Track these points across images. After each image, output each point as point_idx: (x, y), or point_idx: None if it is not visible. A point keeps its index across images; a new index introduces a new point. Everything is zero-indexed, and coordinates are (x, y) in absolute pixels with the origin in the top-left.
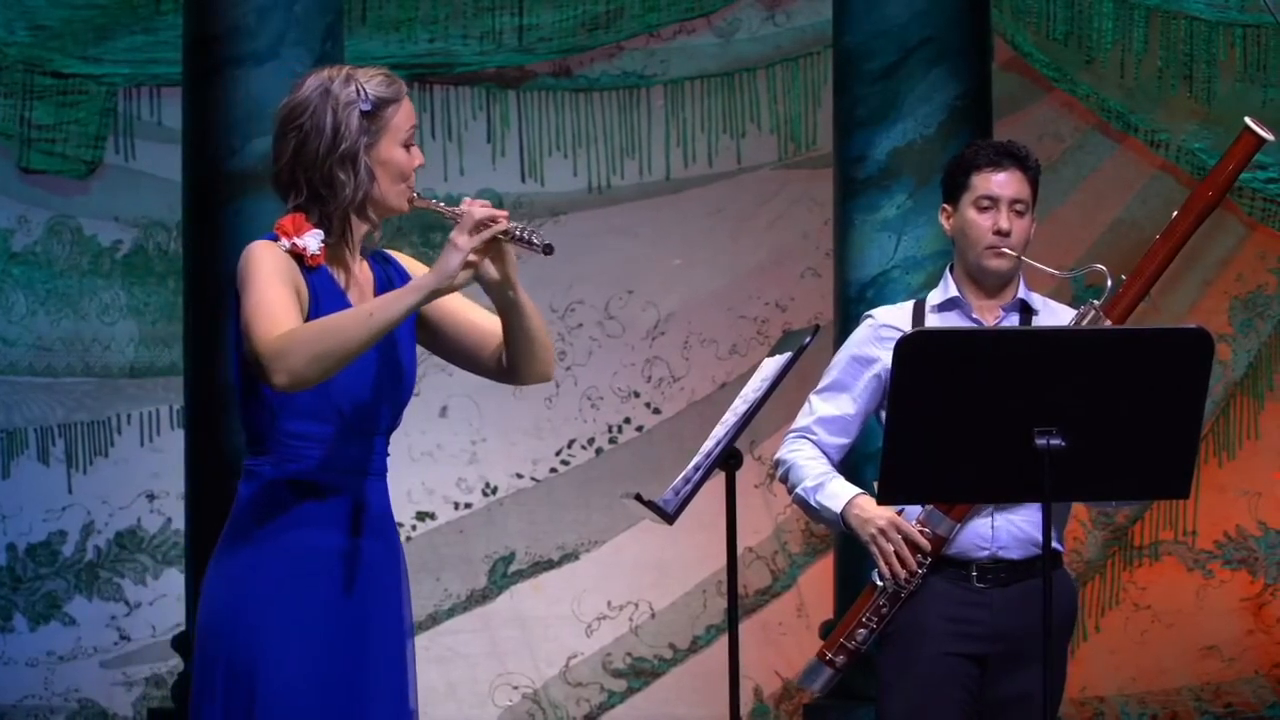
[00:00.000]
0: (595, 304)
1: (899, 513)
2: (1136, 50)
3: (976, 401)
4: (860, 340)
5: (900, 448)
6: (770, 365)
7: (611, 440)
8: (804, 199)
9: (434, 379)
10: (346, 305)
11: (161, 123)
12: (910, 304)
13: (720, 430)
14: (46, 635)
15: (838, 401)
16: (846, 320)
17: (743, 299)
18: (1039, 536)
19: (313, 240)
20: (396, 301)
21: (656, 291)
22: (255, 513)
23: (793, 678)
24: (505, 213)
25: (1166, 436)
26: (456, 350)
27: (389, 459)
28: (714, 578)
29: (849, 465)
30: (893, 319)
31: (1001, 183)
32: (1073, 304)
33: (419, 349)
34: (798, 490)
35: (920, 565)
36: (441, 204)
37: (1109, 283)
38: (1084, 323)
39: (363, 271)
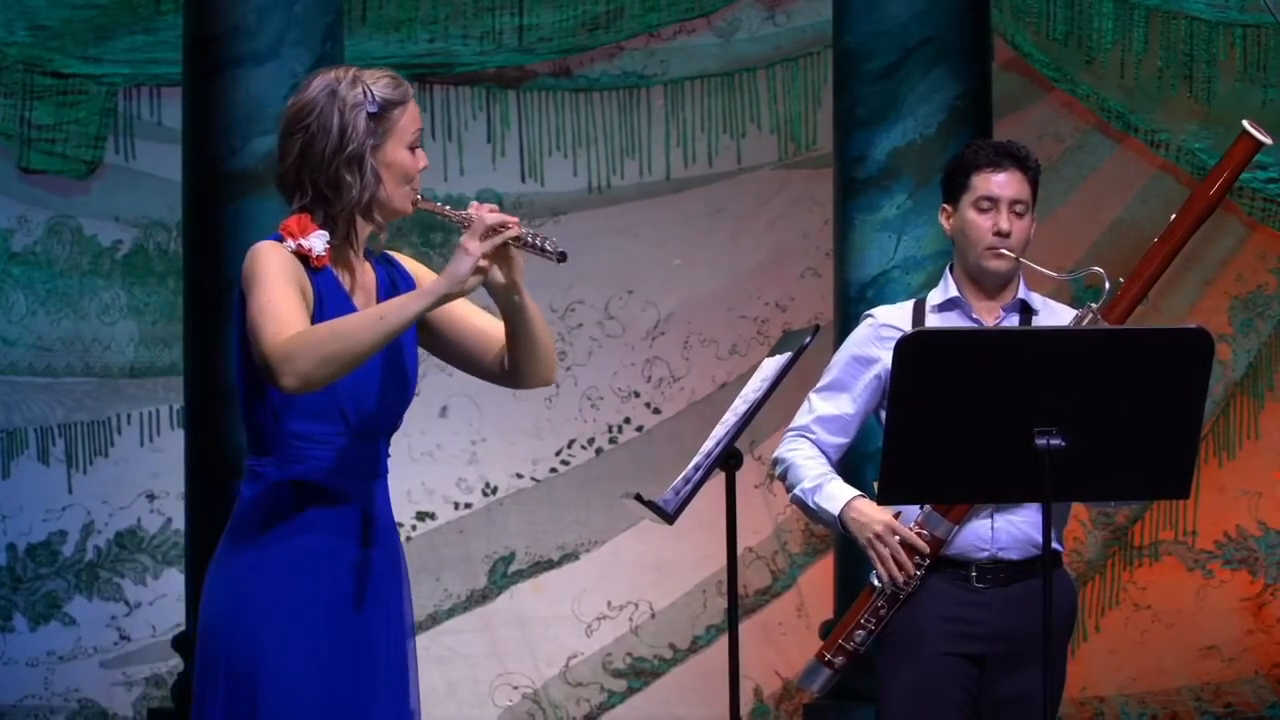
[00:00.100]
0: (595, 304)
1: (896, 515)
2: (1136, 50)
3: (976, 401)
4: (860, 340)
5: (900, 448)
6: (770, 365)
7: (611, 440)
8: (804, 199)
9: (434, 379)
10: (351, 307)
11: (161, 123)
12: (910, 304)
13: (720, 430)
14: (46, 635)
15: (837, 401)
16: (846, 320)
17: (743, 299)
18: (1039, 537)
19: (318, 241)
20: (407, 306)
21: (656, 291)
22: (259, 514)
23: (793, 678)
24: (516, 219)
25: (1166, 436)
26: (458, 353)
27: (389, 460)
28: (714, 578)
29: (848, 465)
30: (893, 319)
31: (1001, 183)
32: (1073, 304)
33: (418, 350)
34: (796, 490)
35: (918, 567)
36: (446, 207)
37: (1106, 285)
38: (1082, 325)
39: (366, 273)
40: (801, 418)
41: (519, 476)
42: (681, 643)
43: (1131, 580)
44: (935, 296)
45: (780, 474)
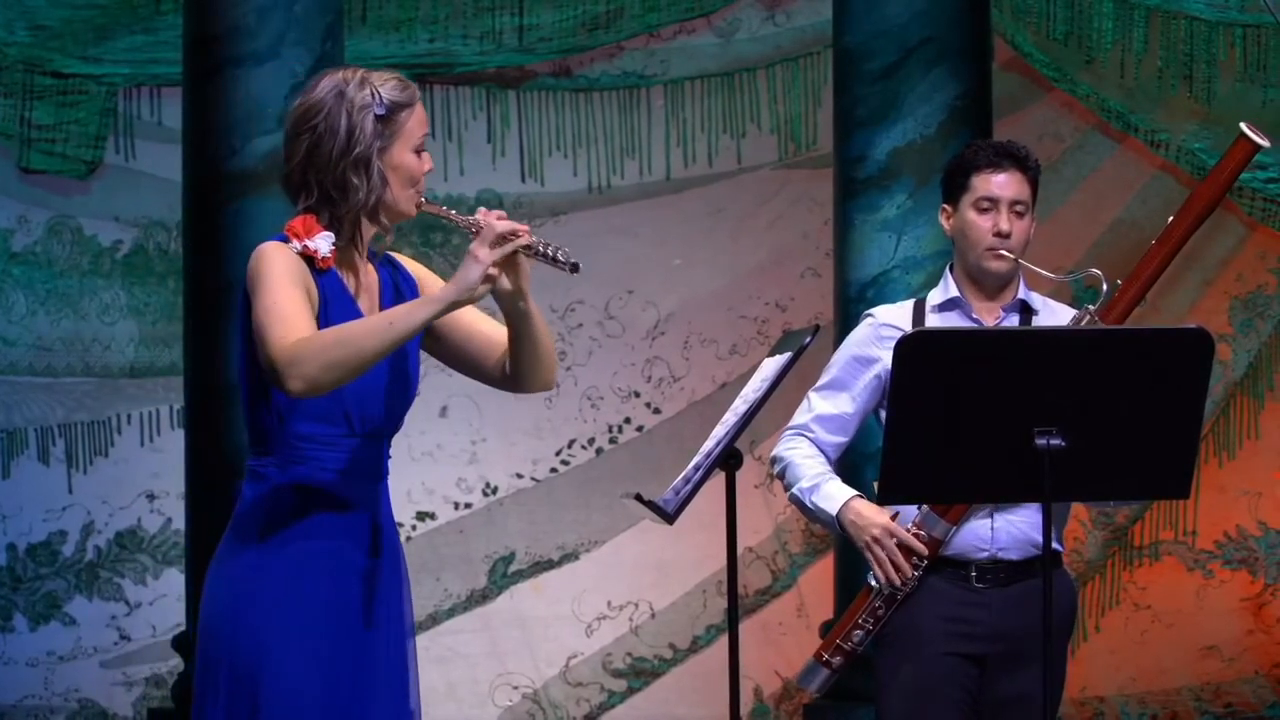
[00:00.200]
0: (595, 304)
1: (894, 516)
2: (1136, 50)
3: (976, 401)
4: (861, 340)
5: (900, 447)
6: (770, 365)
7: (611, 440)
8: (804, 199)
9: (434, 379)
10: (355, 309)
11: (161, 123)
12: (910, 304)
13: (720, 430)
14: (46, 635)
15: (836, 400)
16: (846, 320)
17: (743, 299)
18: (1038, 537)
19: (324, 243)
20: (414, 312)
21: (656, 291)
22: (261, 515)
23: (793, 678)
24: (526, 226)
25: (1166, 436)
26: (460, 357)
27: (390, 461)
28: (714, 578)
29: (848, 465)
30: (893, 319)
31: (1001, 184)
32: (1073, 305)
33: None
34: (794, 489)
35: (916, 568)
36: (452, 211)
37: (1104, 286)
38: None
39: (370, 275)
40: (800, 416)
41: (519, 476)
42: (681, 643)
43: (1131, 580)
44: (935, 296)
45: (779, 472)
